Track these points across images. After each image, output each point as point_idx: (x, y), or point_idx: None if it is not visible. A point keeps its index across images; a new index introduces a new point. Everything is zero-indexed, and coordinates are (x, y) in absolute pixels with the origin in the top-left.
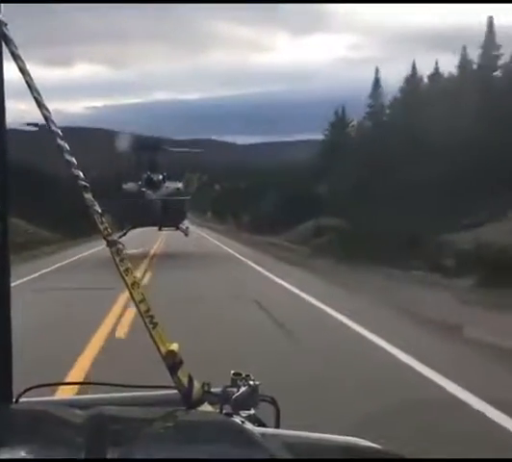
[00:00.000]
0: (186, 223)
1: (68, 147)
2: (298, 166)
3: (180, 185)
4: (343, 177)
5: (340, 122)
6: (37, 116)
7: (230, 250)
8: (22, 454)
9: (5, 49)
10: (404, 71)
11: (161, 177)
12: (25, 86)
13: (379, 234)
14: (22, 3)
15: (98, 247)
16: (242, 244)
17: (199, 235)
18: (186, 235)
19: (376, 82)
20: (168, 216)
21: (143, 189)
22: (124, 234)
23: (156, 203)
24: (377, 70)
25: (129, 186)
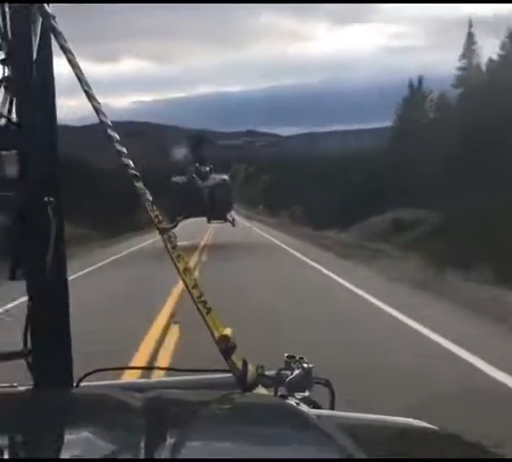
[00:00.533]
0: (233, 215)
1: (118, 137)
2: (362, 154)
3: (226, 176)
4: (427, 161)
5: (416, 95)
6: (85, 112)
7: (298, 254)
8: (83, 437)
9: (54, 42)
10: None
11: (208, 169)
12: (74, 80)
13: (488, 229)
14: (69, 3)
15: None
16: (306, 245)
17: (248, 228)
18: (233, 225)
19: (470, 37)
20: (215, 206)
21: (193, 175)
22: (175, 225)
23: (204, 192)
24: (470, 24)
25: (178, 179)
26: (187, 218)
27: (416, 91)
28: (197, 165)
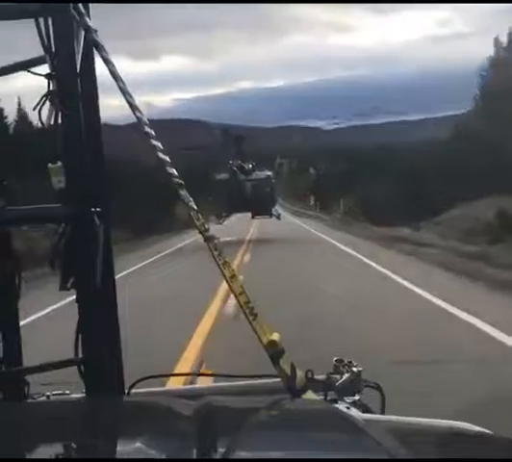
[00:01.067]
0: (278, 210)
1: (162, 146)
2: (426, 143)
3: (269, 173)
4: None
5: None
6: (128, 117)
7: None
8: (137, 445)
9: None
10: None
11: (251, 166)
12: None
13: None
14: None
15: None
16: (389, 254)
17: (299, 227)
18: (278, 219)
19: None
20: (260, 201)
21: (235, 169)
22: (222, 222)
23: (247, 187)
24: None
25: (222, 176)
26: (231, 213)
27: (507, 49)
28: (240, 161)
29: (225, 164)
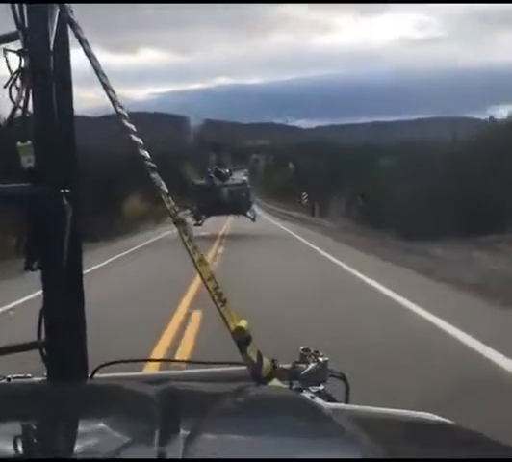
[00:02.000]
0: (254, 211)
1: (135, 129)
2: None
3: (245, 177)
4: None
5: None
6: (103, 104)
7: None
8: (96, 430)
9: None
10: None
11: (227, 171)
12: (92, 72)
13: None
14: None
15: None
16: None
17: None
18: (253, 220)
19: None
20: (235, 205)
21: (212, 175)
22: (201, 223)
23: (224, 192)
24: None
25: (200, 181)
26: (208, 216)
27: None
28: (216, 167)
29: (203, 167)
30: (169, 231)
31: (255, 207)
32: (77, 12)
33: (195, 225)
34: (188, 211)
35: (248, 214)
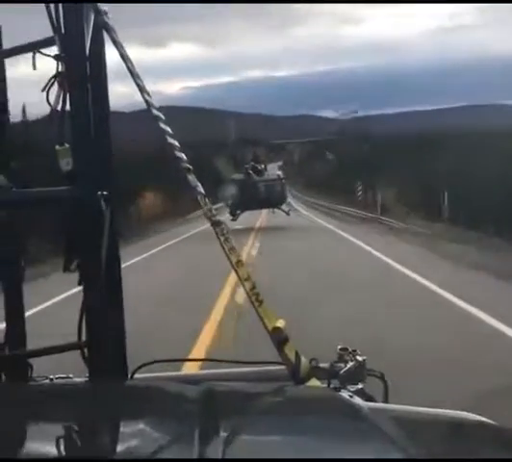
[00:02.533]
0: (290, 203)
1: (171, 131)
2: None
3: (279, 172)
4: None
5: None
6: (136, 101)
7: None
8: (136, 430)
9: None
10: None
11: (263, 166)
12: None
13: None
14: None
15: None
16: None
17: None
18: (287, 214)
19: None
20: (271, 200)
21: (250, 171)
22: (236, 218)
23: (261, 187)
24: None
25: (237, 176)
26: (244, 210)
27: None
28: (253, 163)
29: (241, 163)
30: (189, 232)
31: (291, 200)
32: (110, 7)
33: (231, 220)
34: (222, 204)
35: (283, 207)
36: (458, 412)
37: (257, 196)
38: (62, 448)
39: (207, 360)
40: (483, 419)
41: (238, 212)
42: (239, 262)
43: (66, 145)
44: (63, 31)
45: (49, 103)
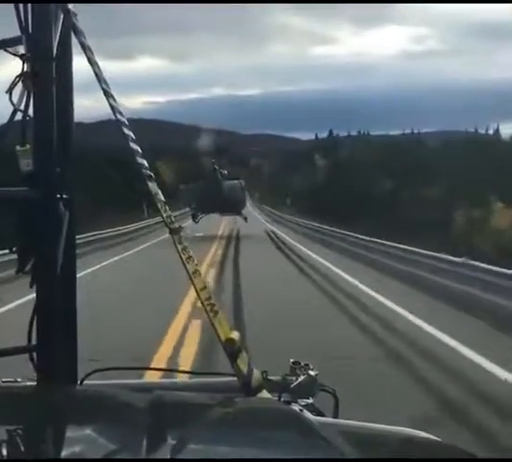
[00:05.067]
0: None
1: (134, 136)
2: None
3: (241, 180)
4: None
5: None
6: (99, 111)
7: None
8: (83, 435)
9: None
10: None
11: (226, 172)
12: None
13: None
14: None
15: None
16: None
17: None
18: (245, 221)
19: None
20: (233, 202)
21: (216, 167)
22: (197, 221)
23: (225, 186)
24: None
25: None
26: (208, 212)
27: None
28: (217, 167)
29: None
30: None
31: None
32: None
33: (195, 223)
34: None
35: (242, 212)
36: (406, 429)
37: (220, 196)
38: (3, 452)
39: (158, 370)
40: (429, 436)
41: (200, 215)
42: (196, 272)
43: (28, 146)
44: (30, 30)
45: (12, 103)
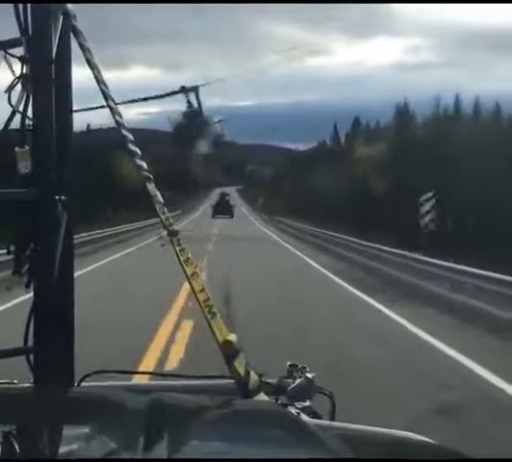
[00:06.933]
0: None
1: (132, 138)
2: None
3: (229, 196)
4: None
5: None
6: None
7: None
8: (80, 436)
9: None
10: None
11: (229, 199)
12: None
13: None
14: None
15: None
16: None
17: None
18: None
19: None
20: (230, 209)
21: (223, 191)
22: (215, 217)
23: (228, 198)
24: None
25: (220, 192)
26: (219, 214)
27: None
28: (228, 198)
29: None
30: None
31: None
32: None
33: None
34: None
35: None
36: (402, 432)
37: (226, 205)
38: None
39: (156, 374)
40: (425, 439)
41: (217, 215)
42: (194, 274)
43: (26, 148)
44: (29, 32)
45: (11, 104)
